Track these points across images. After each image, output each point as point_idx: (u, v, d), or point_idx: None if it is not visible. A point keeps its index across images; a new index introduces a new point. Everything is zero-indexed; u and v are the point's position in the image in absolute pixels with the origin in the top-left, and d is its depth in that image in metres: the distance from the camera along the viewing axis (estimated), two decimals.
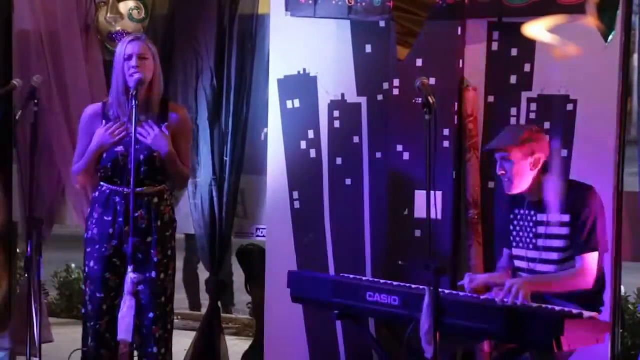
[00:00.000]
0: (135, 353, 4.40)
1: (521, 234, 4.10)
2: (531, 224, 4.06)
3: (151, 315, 4.27)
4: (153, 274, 4.26)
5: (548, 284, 3.91)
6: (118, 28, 5.48)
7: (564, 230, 3.95)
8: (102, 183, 4.34)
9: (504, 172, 4.02)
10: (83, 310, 4.43)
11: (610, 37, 4.14)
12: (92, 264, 4.32)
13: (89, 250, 4.34)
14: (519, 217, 4.12)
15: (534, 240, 4.04)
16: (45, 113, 5.33)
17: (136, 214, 4.22)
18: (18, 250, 6.12)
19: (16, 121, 4.94)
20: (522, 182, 4.00)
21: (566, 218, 3.95)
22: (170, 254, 4.35)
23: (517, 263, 4.13)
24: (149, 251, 4.27)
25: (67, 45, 5.50)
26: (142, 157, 4.24)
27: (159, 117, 4.35)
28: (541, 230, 4.02)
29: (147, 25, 5.49)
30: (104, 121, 4.35)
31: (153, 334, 4.29)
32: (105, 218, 4.29)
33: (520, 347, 3.82)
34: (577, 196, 3.95)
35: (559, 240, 3.97)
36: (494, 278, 4.09)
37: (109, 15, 5.47)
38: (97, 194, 4.36)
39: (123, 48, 4.29)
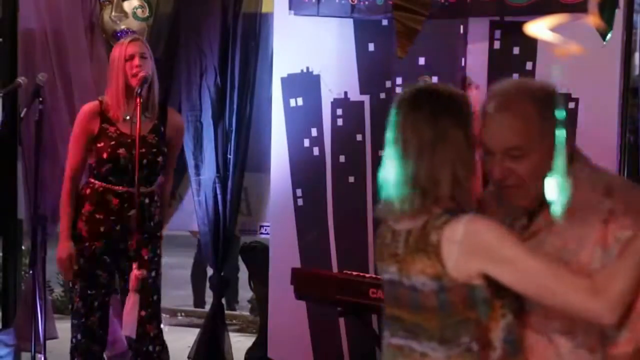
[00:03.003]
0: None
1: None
2: None
3: (143, 313, 4.28)
4: (144, 273, 4.29)
5: None
6: (122, 26, 5.50)
7: None
8: (92, 180, 4.34)
9: None
10: (72, 306, 4.44)
11: (608, 36, 4.16)
12: (81, 260, 4.34)
13: (77, 247, 4.35)
14: None
15: None
16: (49, 111, 5.36)
17: (130, 213, 4.24)
18: (23, 247, 6.15)
19: (21, 119, 4.96)
20: None
21: None
22: (159, 252, 4.39)
23: None
24: (139, 250, 4.29)
25: (72, 44, 5.52)
26: (145, 161, 4.27)
27: (158, 117, 4.39)
28: None
29: (151, 24, 5.51)
30: (103, 122, 4.36)
31: (147, 332, 4.31)
32: (97, 216, 4.30)
33: None
34: None
35: None
36: None
37: (113, 13, 5.49)
38: (87, 191, 4.35)
39: (123, 48, 4.32)
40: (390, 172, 2.37)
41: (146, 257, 4.30)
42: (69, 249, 4.38)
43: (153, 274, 4.34)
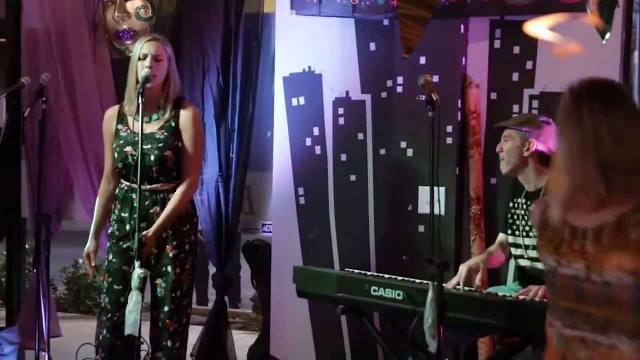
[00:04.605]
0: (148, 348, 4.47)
1: (517, 222, 4.16)
2: (528, 213, 4.10)
3: (166, 309, 4.32)
4: (169, 268, 4.32)
5: None
6: (125, 27, 5.53)
7: None
8: (122, 181, 4.42)
9: (500, 151, 4.12)
10: (102, 304, 4.49)
11: (607, 36, 4.19)
12: (111, 257, 4.40)
13: (109, 244, 4.43)
14: (516, 205, 4.17)
15: (526, 228, 4.09)
16: (53, 111, 5.40)
17: (152, 210, 4.29)
18: (27, 246, 6.18)
19: (25, 119, 4.99)
20: (511, 163, 4.08)
21: None
22: (188, 249, 4.39)
23: (514, 251, 4.19)
24: (164, 246, 4.32)
25: (75, 44, 5.54)
26: (152, 157, 4.29)
27: (170, 115, 4.40)
28: None
29: (154, 24, 5.53)
30: (119, 124, 4.40)
31: (168, 327, 4.33)
32: (123, 215, 4.36)
33: (523, 341, 3.87)
34: None
35: None
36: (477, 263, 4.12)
37: (116, 14, 5.52)
38: (117, 191, 4.45)
39: (140, 47, 4.34)
40: (575, 166, 2.41)
41: (171, 255, 4.33)
42: (88, 247, 4.46)
43: (178, 270, 4.35)
